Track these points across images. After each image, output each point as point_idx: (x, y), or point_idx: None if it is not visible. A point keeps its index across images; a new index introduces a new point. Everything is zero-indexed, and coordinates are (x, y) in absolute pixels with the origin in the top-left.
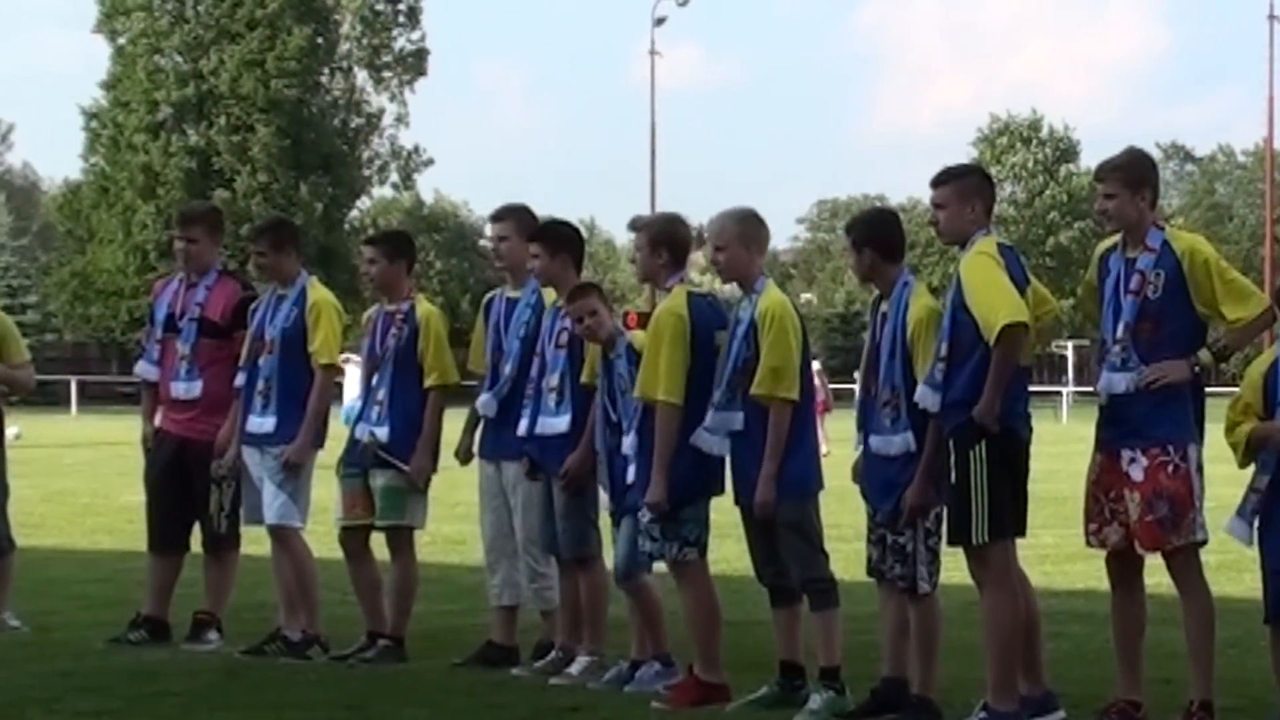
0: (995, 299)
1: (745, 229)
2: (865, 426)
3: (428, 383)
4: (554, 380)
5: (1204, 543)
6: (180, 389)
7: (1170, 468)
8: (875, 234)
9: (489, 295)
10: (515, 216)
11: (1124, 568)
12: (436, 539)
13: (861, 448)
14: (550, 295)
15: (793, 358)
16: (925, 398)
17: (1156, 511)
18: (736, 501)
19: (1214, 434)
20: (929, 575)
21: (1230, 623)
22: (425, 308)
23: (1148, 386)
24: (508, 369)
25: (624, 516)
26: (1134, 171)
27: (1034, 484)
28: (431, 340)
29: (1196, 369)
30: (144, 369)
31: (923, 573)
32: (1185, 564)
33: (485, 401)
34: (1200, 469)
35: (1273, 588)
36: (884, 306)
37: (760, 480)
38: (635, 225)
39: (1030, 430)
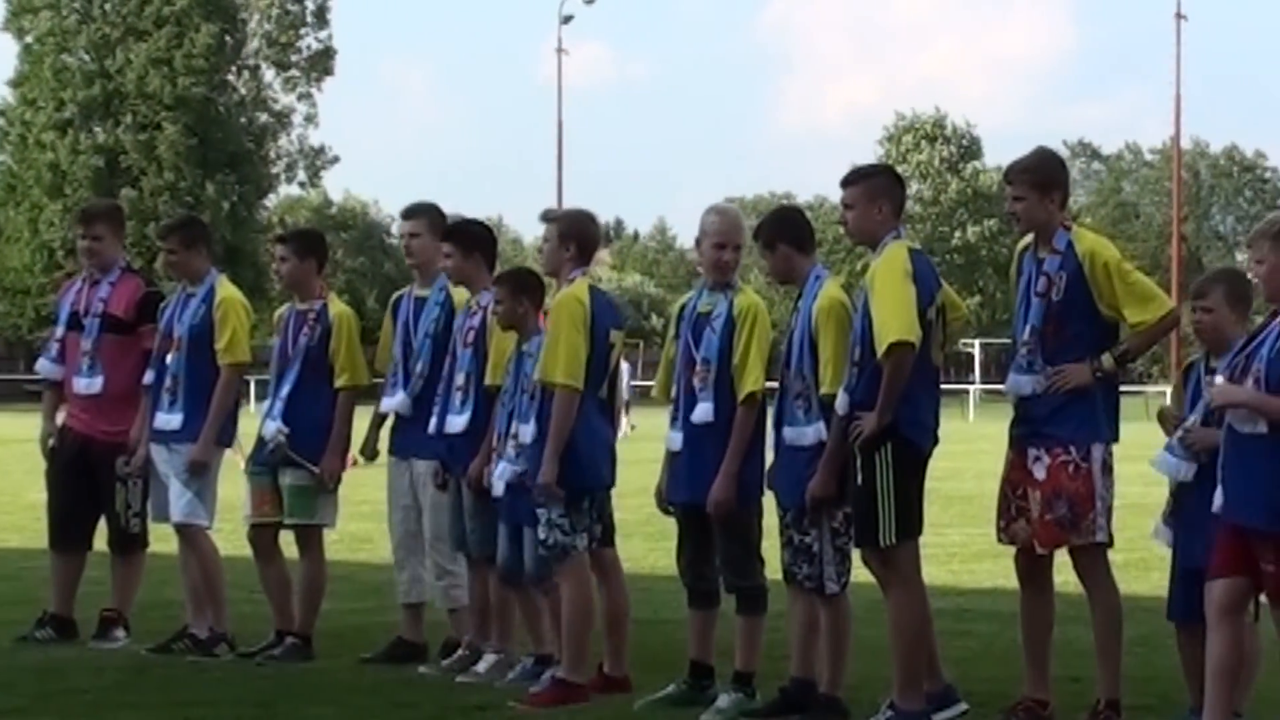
0: (891, 313)
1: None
2: (778, 421)
3: (339, 383)
4: (460, 379)
5: (1106, 544)
6: (82, 385)
7: (1071, 468)
8: (786, 230)
9: (397, 294)
10: (426, 214)
11: (1031, 565)
12: (344, 537)
13: (773, 446)
14: (460, 294)
15: (762, 357)
16: (843, 404)
17: (1055, 511)
18: (672, 499)
19: (1130, 433)
20: (837, 576)
21: (1138, 621)
22: (338, 308)
23: (1052, 390)
24: (418, 367)
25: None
26: (1042, 173)
27: (941, 482)
28: (344, 340)
29: (1098, 373)
30: (44, 367)
31: (830, 573)
32: (1090, 563)
33: (400, 401)
34: (1107, 470)
35: (1182, 587)
36: (798, 302)
37: (719, 478)
38: (547, 216)
39: (935, 440)
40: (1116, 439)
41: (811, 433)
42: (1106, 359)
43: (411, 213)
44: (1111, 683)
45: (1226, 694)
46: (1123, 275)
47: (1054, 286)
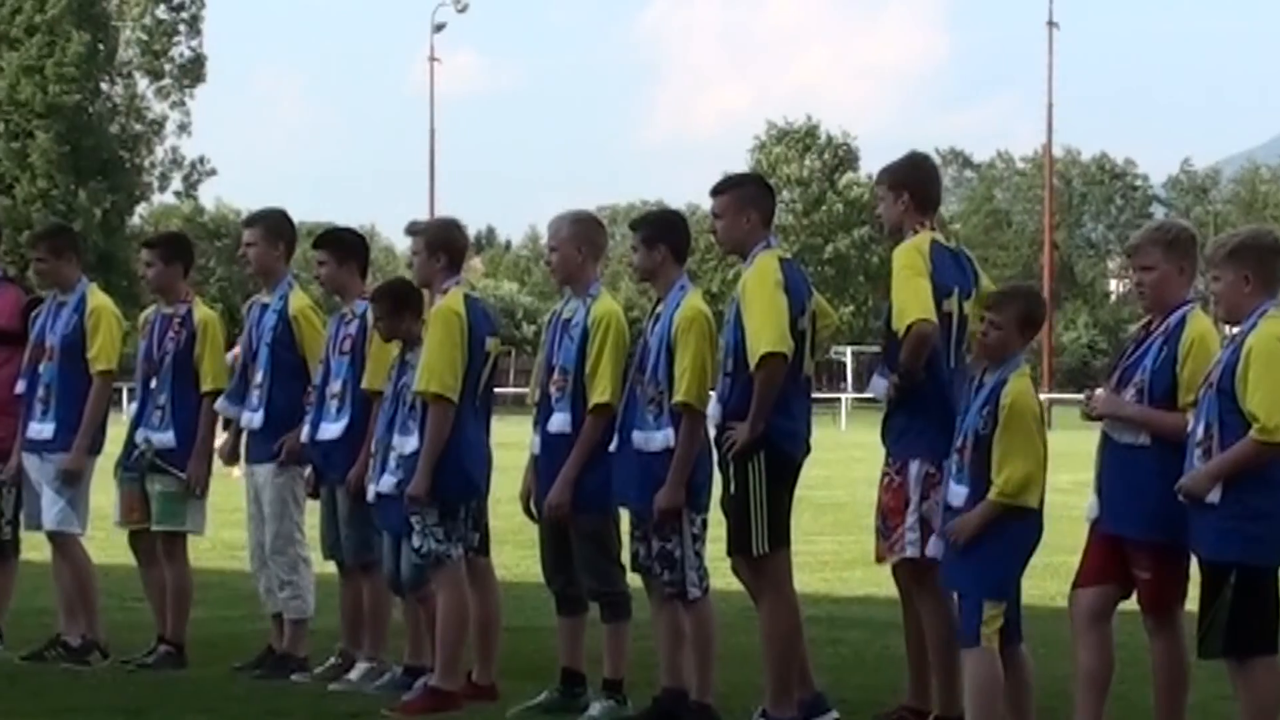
0: (763, 324)
1: (579, 230)
2: (626, 424)
3: (204, 388)
4: (336, 386)
5: (915, 559)
6: None
7: (887, 480)
8: (671, 234)
9: (249, 302)
10: (262, 222)
11: (906, 576)
12: (216, 544)
13: (617, 447)
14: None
15: (616, 368)
16: (715, 411)
17: (876, 523)
18: (537, 505)
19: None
20: (698, 580)
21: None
22: (203, 312)
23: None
24: (258, 377)
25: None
26: (896, 175)
27: (813, 491)
28: (208, 345)
29: (894, 388)
30: None
31: (692, 578)
32: (906, 577)
33: (249, 417)
34: (929, 485)
35: (965, 609)
36: (659, 308)
37: (558, 483)
38: (413, 229)
39: (808, 450)
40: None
41: (660, 438)
42: (894, 375)
43: (250, 221)
44: (947, 699)
45: (1096, 701)
46: (896, 285)
47: (886, 289)
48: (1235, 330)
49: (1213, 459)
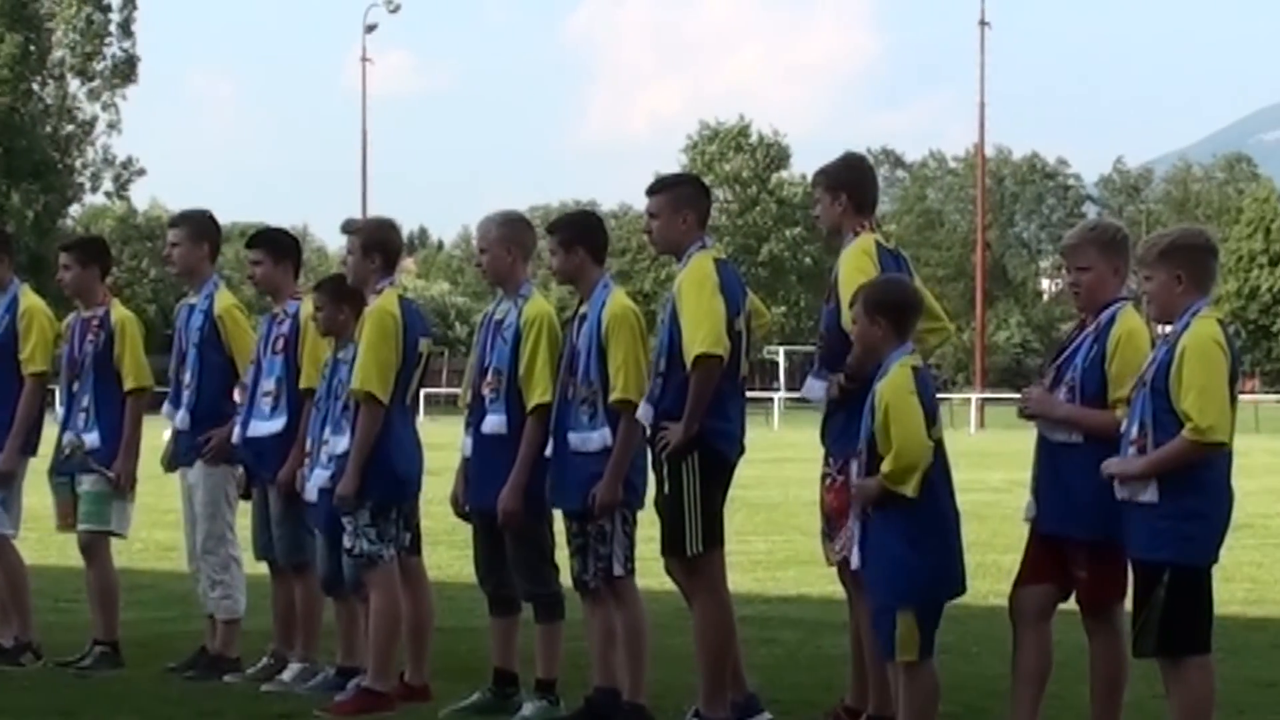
0: (698, 325)
1: (508, 232)
2: (560, 427)
3: (126, 387)
4: (269, 385)
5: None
6: None
7: (829, 481)
8: (588, 235)
9: (179, 304)
10: (188, 222)
11: (852, 574)
12: (149, 545)
13: (553, 450)
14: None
15: (551, 368)
16: (646, 414)
17: (820, 525)
18: (470, 507)
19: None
20: (624, 560)
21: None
22: (120, 313)
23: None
24: (186, 377)
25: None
26: (832, 177)
27: (747, 490)
28: (127, 345)
29: (839, 389)
30: None
31: (619, 555)
32: (851, 577)
33: (180, 416)
34: None
35: (882, 625)
36: (583, 309)
37: (508, 488)
38: (348, 228)
39: (741, 450)
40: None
41: (597, 438)
42: (840, 376)
43: (174, 222)
44: (879, 699)
45: (1033, 700)
46: (846, 287)
47: (829, 292)
48: (1168, 329)
49: (1146, 455)
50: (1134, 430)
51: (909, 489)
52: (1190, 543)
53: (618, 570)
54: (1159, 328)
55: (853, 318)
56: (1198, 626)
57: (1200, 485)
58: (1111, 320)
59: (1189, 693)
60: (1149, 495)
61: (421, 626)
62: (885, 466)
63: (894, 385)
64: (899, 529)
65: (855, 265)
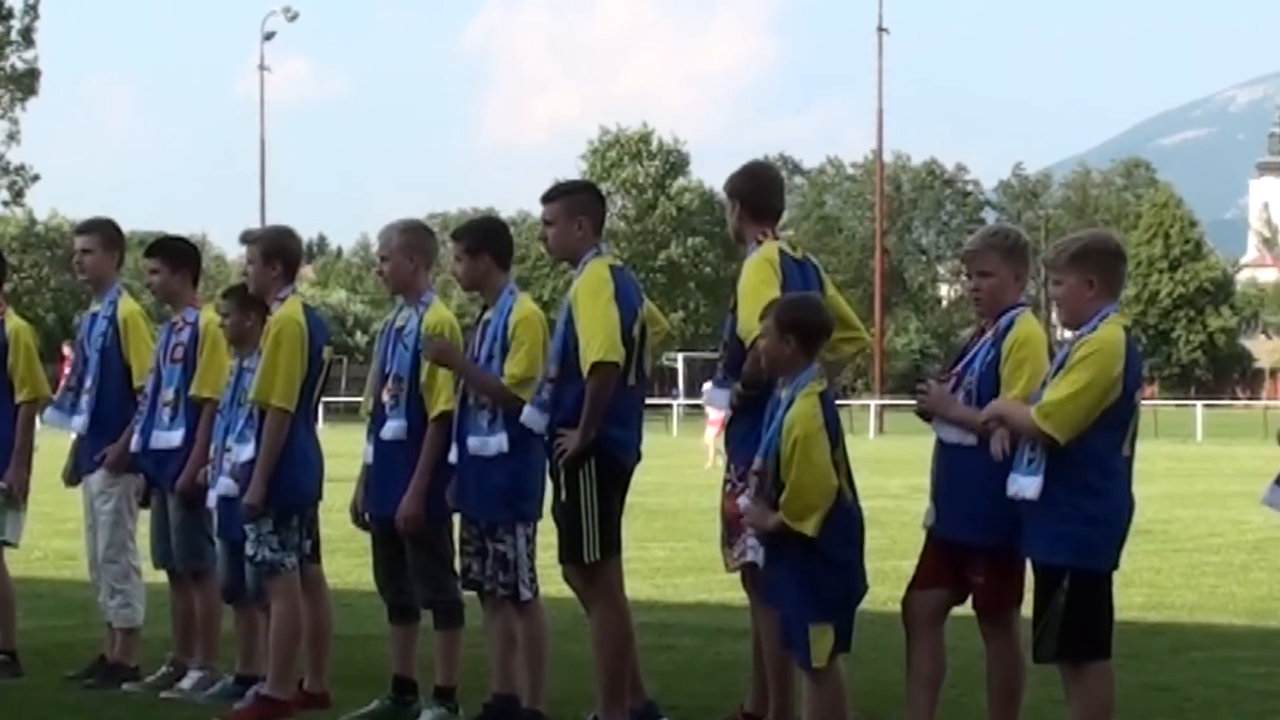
0: (594, 333)
1: (409, 239)
2: (461, 432)
3: (19, 398)
4: (169, 395)
5: (758, 565)
6: None
7: (730, 488)
8: (492, 241)
9: (84, 313)
10: (99, 230)
11: (751, 582)
12: (48, 554)
13: (457, 456)
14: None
15: (453, 375)
16: (531, 418)
17: (720, 532)
18: (369, 514)
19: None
20: (530, 582)
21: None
22: (15, 323)
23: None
24: (87, 383)
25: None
26: (732, 185)
27: (645, 497)
28: (21, 355)
29: (739, 395)
30: None
31: (525, 578)
32: (752, 583)
33: (80, 422)
34: None
35: (797, 637)
36: (488, 314)
37: (408, 495)
38: (247, 238)
39: (639, 457)
40: None
41: (494, 443)
42: (738, 384)
43: (83, 229)
44: (780, 699)
45: (928, 705)
46: (745, 295)
47: (732, 300)
48: (1078, 332)
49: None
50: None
51: (809, 528)
52: (1090, 548)
53: (525, 595)
54: (1060, 332)
55: (762, 331)
56: (1098, 632)
57: (1100, 491)
58: (1010, 325)
59: (1089, 698)
60: (1032, 492)
61: (321, 634)
62: (786, 509)
63: (804, 419)
64: (793, 557)
65: (757, 275)
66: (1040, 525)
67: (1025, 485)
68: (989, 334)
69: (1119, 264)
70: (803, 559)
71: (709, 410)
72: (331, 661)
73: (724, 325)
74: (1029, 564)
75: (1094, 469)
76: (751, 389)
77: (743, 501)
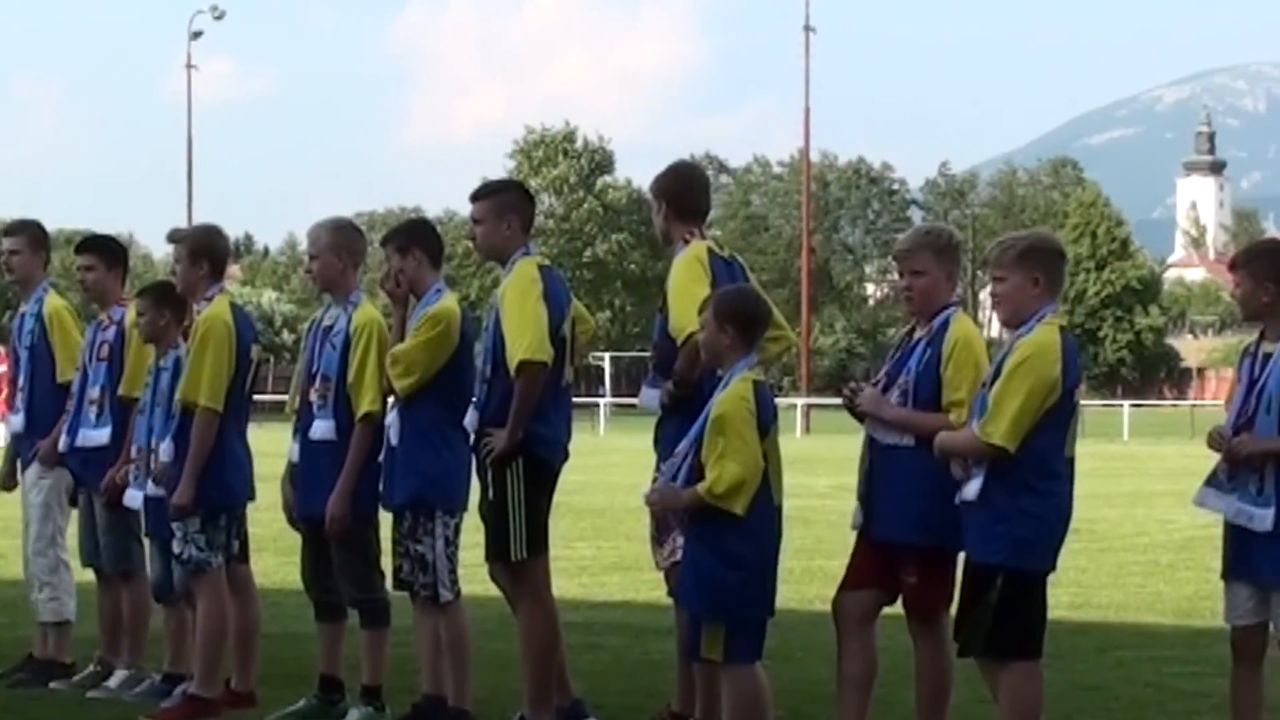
0: (522, 332)
1: (339, 239)
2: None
3: None
4: (94, 393)
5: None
6: None
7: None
8: (423, 239)
9: (15, 314)
10: (26, 231)
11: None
12: None
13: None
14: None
15: (380, 375)
16: (468, 417)
17: (650, 531)
18: (297, 513)
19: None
20: (450, 584)
21: (775, 634)
22: None
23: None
24: (20, 380)
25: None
26: (656, 185)
27: (571, 496)
28: None
29: (668, 395)
30: None
31: (444, 580)
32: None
33: (17, 420)
34: None
35: (690, 628)
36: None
37: (335, 495)
38: (174, 238)
39: (566, 456)
40: None
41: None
42: (670, 383)
43: (9, 230)
44: (685, 697)
45: (859, 705)
46: (675, 295)
47: (661, 299)
48: (1016, 332)
49: (953, 436)
50: (974, 426)
51: (737, 506)
52: (1026, 547)
53: (445, 596)
54: (990, 330)
55: (701, 323)
56: (1028, 632)
57: (1040, 492)
58: (945, 325)
59: (1017, 698)
60: (970, 494)
61: (248, 633)
62: (710, 481)
63: (733, 398)
64: (713, 543)
65: (687, 273)
66: (978, 524)
67: (969, 487)
68: (922, 334)
69: (1062, 264)
70: (704, 552)
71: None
72: (258, 661)
73: (653, 325)
74: (960, 563)
75: (1034, 469)
76: (682, 388)
77: (645, 486)
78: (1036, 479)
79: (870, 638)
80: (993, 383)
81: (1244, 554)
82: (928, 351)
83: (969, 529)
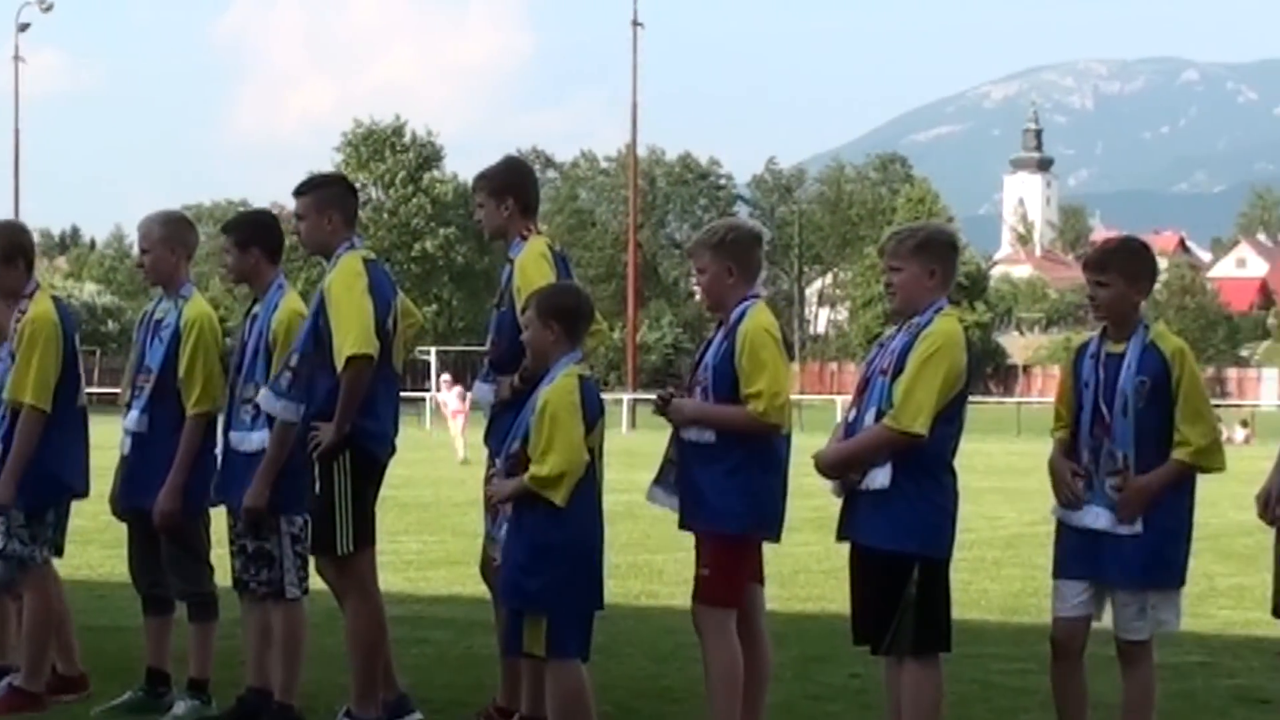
0: (348, 326)
1: (171, 232)
2: (226, 425)
3: None
4: None
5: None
6: None
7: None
8: (262, 235)
9: None
10: None
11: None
12: None
13: (223, 449)
14: None
15: (210, 370)
16: (268, 402)
17: (485, 525)
18: (123, 505)
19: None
20: (298, 581)
21: (600, 630)
22: None
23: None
24: None
25: None
26: (497, 181)
27: (398, 490)
28: None
29: (514, 389)
30: None
31: (291, 578)
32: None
33: None
34: None
35: (511, 624)
36: (256, 308)
37: (165, 490)
38: None
39: (393, 449)
40: None
41: (256, 439)
42: (514, 378)
43: None
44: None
45: (729, 703)
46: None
47: (500, 295)
48: (908, 324)
49: (847, 442)
50: (868, 418)
51: (558, 497)
52: (937, 535)
53: (292, 594)
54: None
55: (525, 322)
56: (943, 622)
57: (943, 483)
58: (741, 317)
59: (922, 694)
60: (882, 481)
61: (62, 618)
62: (534, 469)
63: (558, 391)
64: (532, 534)
65: (536, 270)
66: (888, 514)
67: (873, 475)
68: (719, 333)
69: (957, 257)
70: (523, 544)
71: (446, 400)
72: (84, 653)
73: (488, 320)
74: (850, 555)
75: (936, 459)
76: (528, 384)
77: (495, 482)
78: (938, 469)
79: (733, 634)
80: (894, 375)
81: (1087, 554)
82: (724, 344)
83: (872, 518)
